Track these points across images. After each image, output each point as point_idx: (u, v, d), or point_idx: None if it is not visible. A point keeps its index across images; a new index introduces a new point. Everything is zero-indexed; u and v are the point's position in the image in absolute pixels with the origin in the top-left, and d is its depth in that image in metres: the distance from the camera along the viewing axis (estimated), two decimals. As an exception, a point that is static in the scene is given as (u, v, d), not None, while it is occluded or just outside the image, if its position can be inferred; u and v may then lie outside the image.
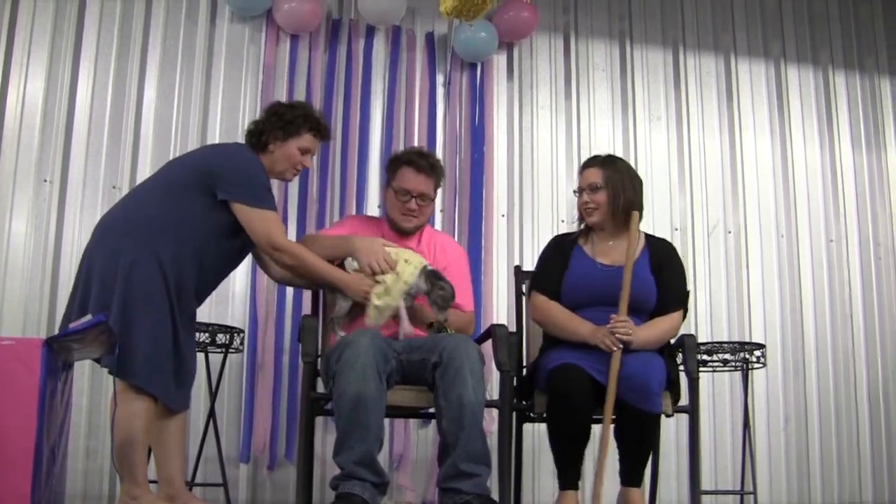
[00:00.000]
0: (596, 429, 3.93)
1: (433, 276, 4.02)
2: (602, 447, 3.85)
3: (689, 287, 4.24)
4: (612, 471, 3.90)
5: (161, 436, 3.91)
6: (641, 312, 4.07)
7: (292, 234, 5.65)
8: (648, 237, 4.30)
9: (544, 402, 3.96)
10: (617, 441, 3.93)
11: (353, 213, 5.72)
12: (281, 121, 3.99)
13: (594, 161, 4.29)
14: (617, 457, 3.96)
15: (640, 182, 4.26)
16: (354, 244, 4.07)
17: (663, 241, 4.36)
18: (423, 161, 4.31)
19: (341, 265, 4.10)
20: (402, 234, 4.33)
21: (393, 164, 4.36)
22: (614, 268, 4.10)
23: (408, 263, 4.01)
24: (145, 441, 3.75)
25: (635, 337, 3.88)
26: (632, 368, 3.82)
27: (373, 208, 5.79)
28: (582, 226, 4.33)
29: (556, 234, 4.62)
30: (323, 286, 4.22)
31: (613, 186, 4.15)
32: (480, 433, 3.72)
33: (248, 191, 3.81)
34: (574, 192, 4.36)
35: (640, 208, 4.15)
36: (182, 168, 3.93)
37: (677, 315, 4.13)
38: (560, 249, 4.31)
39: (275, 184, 5.58)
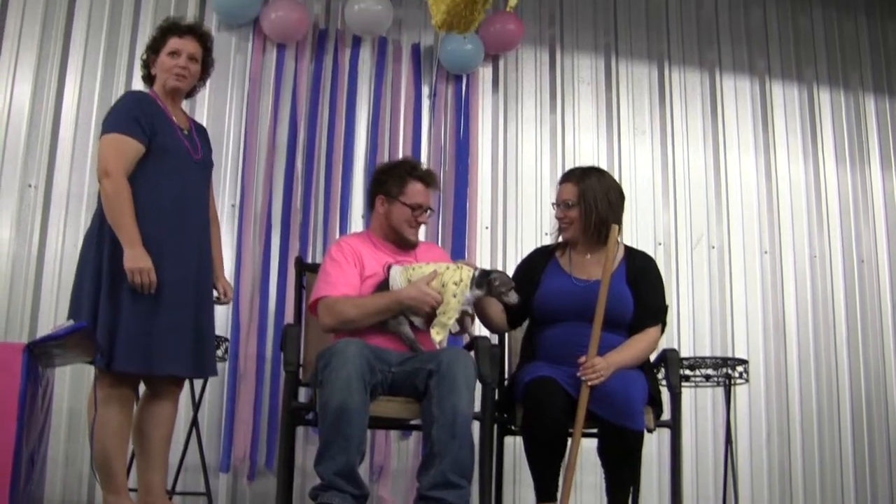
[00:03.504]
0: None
1: (484, 279, 4.06)
2: (570, 466, 3.84)
3: (672, 301, 4.23)
4: (594, 486, 3.90)
5: (144, 444, 3.90)
6: (619, 327, 4.06)
7: (276, 242, 5.64)
8: (629, 250, 4.28)
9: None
10: (601, 459, 3.91)
11: (337, 223, 5.72)
12: (153, 43, 4.16)
13: (571, 176, 4.27)
14: (601, 474, 3.96)
15: (618, 195, 4.21)
16: (403, 300, 4.02)
17: (642, 253, 4.34)
18: (430, 177, 4.37)
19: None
20: (404, 249, 4.33)
21: (398, 178, 4.30)
22: (590, 282, 4.08)
23: (457, 285, 4.01)
24: (118, 447, 3.73)
25: (606, 375, 3.85)
26: (612, 386, 3.81)
27: (356, 218, 5.77)
28: (559, 238, 4.33)
29: (538, 246, 4.60)
30: None
31: (587, 203, 4.13)
32: (470, 445, 3.73)
33: (106, 123, 3.94)
34: (552, 204, 4.35)
35: (617, 223, 4.09)
36: None
37: (654, 331, 4.13)
38: (533, 265, 4.33)
39: (258, 189, 5.61)
